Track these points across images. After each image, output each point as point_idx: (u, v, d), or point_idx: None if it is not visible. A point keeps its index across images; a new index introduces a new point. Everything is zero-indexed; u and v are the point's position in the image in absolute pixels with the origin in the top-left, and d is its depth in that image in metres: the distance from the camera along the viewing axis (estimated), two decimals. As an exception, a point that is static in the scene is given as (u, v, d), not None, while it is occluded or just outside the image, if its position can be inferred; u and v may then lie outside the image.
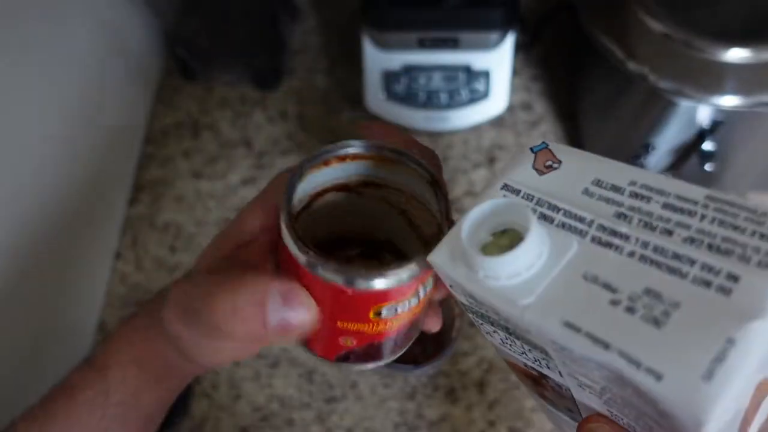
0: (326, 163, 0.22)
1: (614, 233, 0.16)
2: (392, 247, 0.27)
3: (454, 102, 0.56)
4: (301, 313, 0.20)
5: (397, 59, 0.54)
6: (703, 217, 0.16)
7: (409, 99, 0.56)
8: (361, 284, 0.19)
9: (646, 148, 0.48)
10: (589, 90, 0.55)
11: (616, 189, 0.17)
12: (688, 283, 0.15)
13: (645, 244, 0.16)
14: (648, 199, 0.17)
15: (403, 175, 0.22)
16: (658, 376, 0.14)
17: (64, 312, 0.48)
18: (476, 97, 0.56)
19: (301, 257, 0.20)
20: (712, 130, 0.44)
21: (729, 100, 0.41)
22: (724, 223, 0.15)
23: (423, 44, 0.53)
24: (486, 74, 0.55)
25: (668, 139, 0.47)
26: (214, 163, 0.59)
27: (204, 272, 0.22)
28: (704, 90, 0.41)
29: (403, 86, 0.55)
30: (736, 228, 0.15)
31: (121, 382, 0.26)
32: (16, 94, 0.42)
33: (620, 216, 0.17)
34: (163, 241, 0.55)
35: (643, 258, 0.16)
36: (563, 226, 0.17)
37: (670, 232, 0.16)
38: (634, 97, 0.46)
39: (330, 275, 0.19)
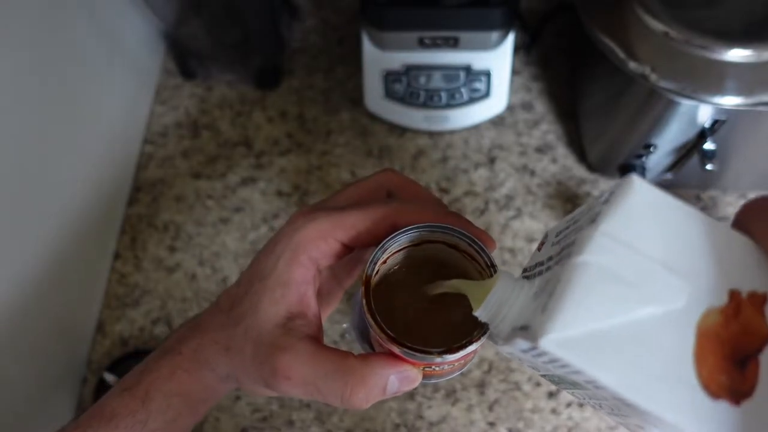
0: (390, 251, 0.26)
1: (551, 258, 0.21)
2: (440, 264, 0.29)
3: (454, 102, 0.56)
4: (410, 387, 0.26)
5: (397, 59, 0.54)
6: (582, 215, 0.20)
7: (409, 99, 0.56)
8: (430, 359, 0.24)
9: (647, 147, 0.48)
10: (589, 89, 0.55)
11: (560, 231, 0.22)
12: (562, 262, 0.18)
13: (557, 254, 0.20)
14: (569, 226, 0.21)
15: (452, 237, 0.26)
16: (526, 328, 0.18)
17: (63, 312, 0.48)
18: (476, 97, 0.56)
19: (396, 349, 0.24)
20: (713, 129, 0.44)
21: (730, 100, 0.41)
22: (587, 211, 0.19)
23: (423, 44, 0.53)
24: (486, 74, 0.55)
25: (669, 138, 0.47)
26: (213, 162, 0.59)
27: (300, 344, 0.25)
28: (705, 89, 0.41)
29: (403, 86, 0.55)
30: (589, 209, 0.19)
31: (161, 412, 0.27)
32: (14, 93, 0.41)
33: (557, 244, 0.21)
34: (162, 241, 0.55)
35: (556, 263, 0.19)
36: (538, 273, 0.22)
37: (567, 236, 0.20)
38: (634, 96, 0.46)
39: (416, 358, 0.24)
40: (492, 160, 0.57)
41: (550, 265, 0.20)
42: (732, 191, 0.55)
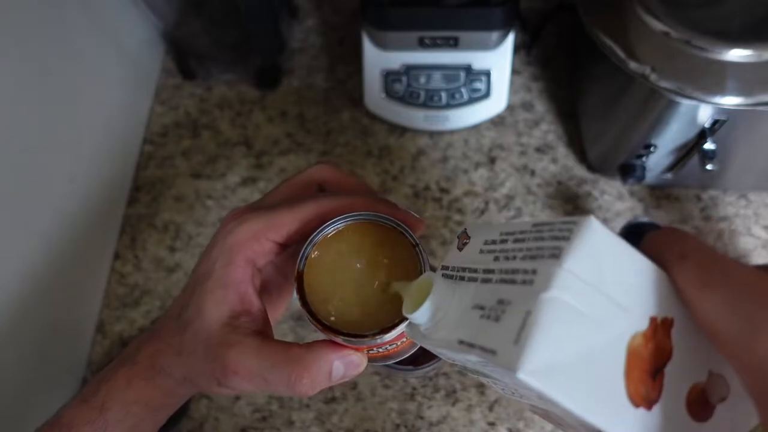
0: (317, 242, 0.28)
1: (490, 271, 0.22)
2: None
3: (454, 101, 0.56)
4: (355, 371, 0.27)
5: (397, 59, 0.54)
6: (528, 239, 0.21)
7: (409, 98, 0.56)
8: (368, 343, 0.26)
9: (647, 147, 0.48)
10: (589, 89, 0.55)
11: (493, 242, 0.23)
12: (517, 286, 0.20)
13: (501, 271, 0.22)
14: (506, 241, 0.23)
15: (378, 222, 0.28)
16: (494, 353, 0.19)
17: (63, 312, 0.48)
18: (476, 97, 0.56)
19: (333, 337, 0.26)
20: (713, 129, 0.44)
21: (730, 100, 0.41)
22: (537, 239, 0.21)
23: (423, 44, 0.53)
24: (486, 74, 0.55)
25: (669, 138, 0.47)
26: (213, 162, 0.59)
27: (246, 340, 0.26)
28: (705, 89, 0.41)
29: (403, 86, 0.55)
30: (542, 239, 0.20)
31: (120, 420, 0.27)
32: (14, 93, 0.41)
33: (496, 259, 0.23)
34: (162, 241, 0.55)
35: (501, 280, 0.21)
36: (469, 279, 0.23)
37: (515, 257, 0.21)
38: (634, 96, 0.46)
39: (354, 342, 0.26)
40: (492, 160, 0.57)
41: (490, 278, 0.22)
42: (732, 191, 0.55)
